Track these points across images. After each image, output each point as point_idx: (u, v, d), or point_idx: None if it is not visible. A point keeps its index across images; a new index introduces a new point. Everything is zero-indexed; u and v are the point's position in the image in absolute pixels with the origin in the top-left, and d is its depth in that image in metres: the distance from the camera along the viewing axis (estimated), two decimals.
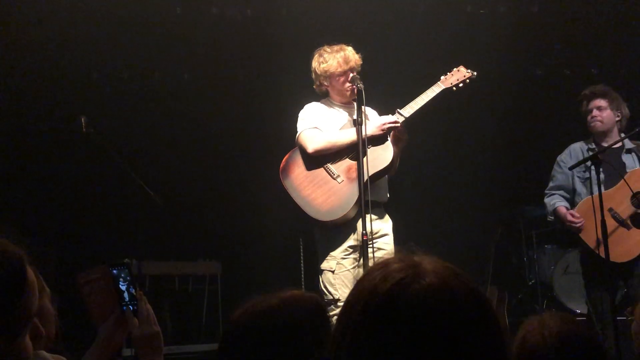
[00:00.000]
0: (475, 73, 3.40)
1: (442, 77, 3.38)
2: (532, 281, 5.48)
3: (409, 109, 3.22)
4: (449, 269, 0.88)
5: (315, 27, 4.98)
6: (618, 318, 3.60)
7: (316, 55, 3.38)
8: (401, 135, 3.23)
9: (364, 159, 2.97)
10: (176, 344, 5.06)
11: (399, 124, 3.18)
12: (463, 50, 5.46)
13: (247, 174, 5.85)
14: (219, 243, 5.65)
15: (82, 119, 3.57)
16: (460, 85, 3.37)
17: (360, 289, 0.88)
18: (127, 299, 1.46)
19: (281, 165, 3.27)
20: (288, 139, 3.46)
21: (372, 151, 3.15)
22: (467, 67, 3.41)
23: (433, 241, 5.79)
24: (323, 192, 3.15)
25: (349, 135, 3.17)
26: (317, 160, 3.22)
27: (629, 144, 3.73)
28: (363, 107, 3.07)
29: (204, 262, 5.34)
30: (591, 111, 3.74)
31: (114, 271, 1.47)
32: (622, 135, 3.75)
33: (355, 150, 3.09)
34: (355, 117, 3.09)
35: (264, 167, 3.94)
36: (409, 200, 5.86)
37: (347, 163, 3.19)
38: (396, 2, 5.08)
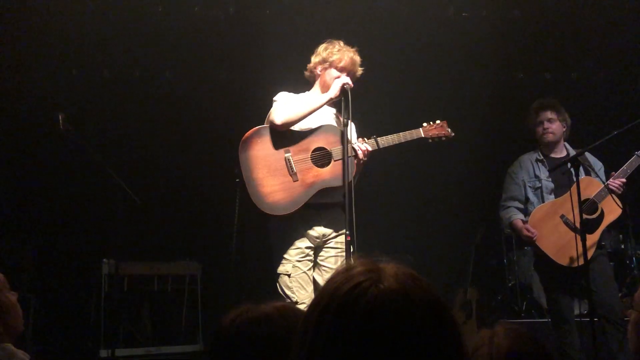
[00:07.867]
0: (453, 134, 3.43)
1: (425, 125, 3.40)
2: (512, 282, 5.52)
3: (386, 142, 3.24)
4: (410, 275, 0.90)
5: (299, 26, 4.97)
6: (582, 320, 3.69)
7: (327, 43, 3.31)
8: (358, 161, 3.18)
9: (329, 167, 2.93)
10: (155, 345, 5.00)
11: (366, 152, 3.17)
12: (445, 53, 5.50)
13: (228, 174, 5.79)
14: (199, 243, 5.59)
15: (60, 116, 3.50)
16: (437, 140, 3.41)
17: (323, 291, 0.90)
18: None
19: (244, 136, 3.12)
20: None
21: (334, 165, 3.13)
22: (449, 125, 3.43)
23: (414, 242, 5.81)
24: (274, 184, 3.06)
25: (318, 102, 3.15)
26: (282, 142, 3.13)
27: (573, 152, 3.82)
28: (349, 106, 3.04)
29: (183, 262, 5.28)
30: (542, 123, 3.87)
31: None
32: (566, 144, 3.92)
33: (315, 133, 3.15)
34: (342, 117, 3.09)
35: None
36: (390, 202, 5.87)
37: (309, 165, 3.12)
38: (378, 6, 5.08)
